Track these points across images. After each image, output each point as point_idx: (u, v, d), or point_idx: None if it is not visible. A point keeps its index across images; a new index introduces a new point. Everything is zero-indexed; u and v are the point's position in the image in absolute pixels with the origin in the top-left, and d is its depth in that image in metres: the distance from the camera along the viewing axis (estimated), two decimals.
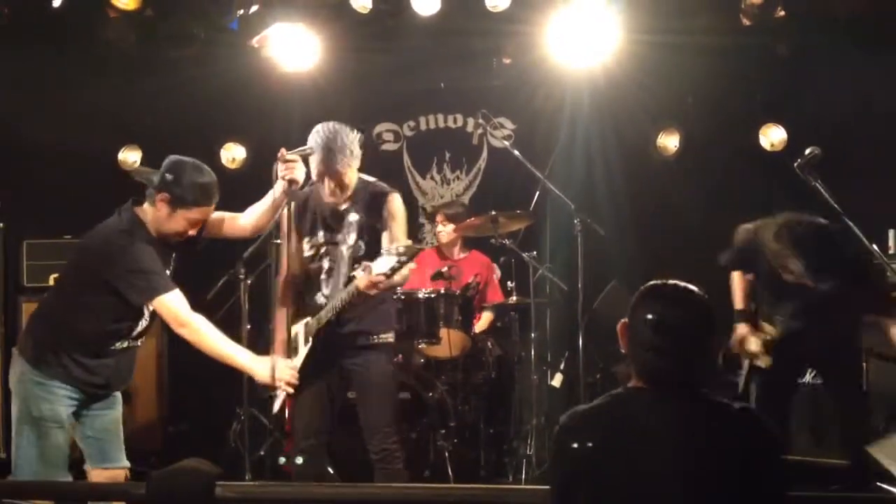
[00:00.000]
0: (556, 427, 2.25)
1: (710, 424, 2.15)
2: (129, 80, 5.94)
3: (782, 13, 5.23)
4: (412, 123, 6.91)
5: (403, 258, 3.63)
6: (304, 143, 3.88)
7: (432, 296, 5.14)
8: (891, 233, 4.78)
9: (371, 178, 4.02)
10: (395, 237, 3.93)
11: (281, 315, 4.00)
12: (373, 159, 6.76)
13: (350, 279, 3.88)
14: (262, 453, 5.26)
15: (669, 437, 2.12)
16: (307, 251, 3.98)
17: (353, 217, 3.94)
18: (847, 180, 4.50)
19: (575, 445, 2.18)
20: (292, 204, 3.93)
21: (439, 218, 5.91)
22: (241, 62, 5.86)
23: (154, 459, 5.49)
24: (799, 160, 3.67)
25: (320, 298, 3.98)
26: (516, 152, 5.17)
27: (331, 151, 3.77)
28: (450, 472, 4.94)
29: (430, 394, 5.14)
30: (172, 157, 3.77)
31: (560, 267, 5.71)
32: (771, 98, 5.86)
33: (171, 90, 5.98)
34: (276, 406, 3.99)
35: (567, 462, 2.22)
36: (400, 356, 5.29)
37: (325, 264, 3.98)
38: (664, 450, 2.11)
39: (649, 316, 2.18)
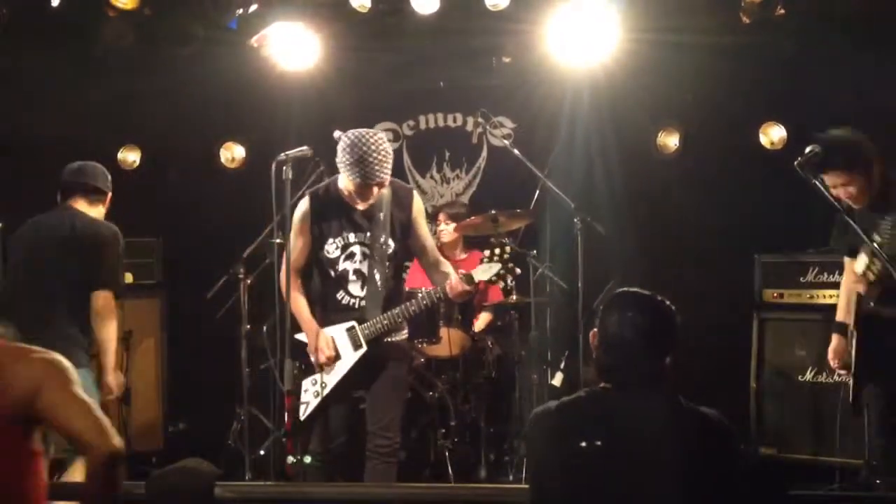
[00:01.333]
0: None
1: (673, 423, 2.24)
2: (129, 79, 5.93)
3: (782, 11, 5.22)
4: (412, 122, 6.90)
5: (510, 264, 3.75)
6: (303, 144, 3.89)
7: None
8: None
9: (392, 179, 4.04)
10: (427, 235, 4.10)
11: (304, 301, 3.97)
12: None
13: (387, 281, 3.95)
14: (262, 453, 5.26)
15: (636, 433, 2.22)
16: (332, 252, 3.96)
17: (382, 215, 3.94)
18: None
19: (545, 439, 2.30)
20: (306, 202, 3.95)
21: (441, 217, 5.91)
22: (240, 61, 5.85)
23: (154, 459, 5.50)
24: (799, 158, 3.66)
25: (346, 299, 3.98)
26: (516, 151, 5.16)
27: (369, 164, 3.74)
28: (450, 472, 4.94)
29: (431, 393, 5.14)
30: (87, 163, 4.37)
31: (560, 266, 5.70)
32: (771, 96, 5.84)
33: (170, 90, 5.97)
34: (305, 412, 3.95)
35: (537, 454, 2.35)
36: None
37: (355, 265, 3.96)
38: (630, 445, 2.21)
39: (615, 321, 2.33)
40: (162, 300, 5.84)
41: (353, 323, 3.92)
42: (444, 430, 5.08)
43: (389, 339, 4.00)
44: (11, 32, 5.43)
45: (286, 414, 3.77)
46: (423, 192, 6.88)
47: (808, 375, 5.13)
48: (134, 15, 5.52)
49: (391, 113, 6.86)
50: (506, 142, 5.57)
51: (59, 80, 5.78)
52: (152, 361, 5.84)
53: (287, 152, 3.82)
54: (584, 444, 2.20)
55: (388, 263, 3.96)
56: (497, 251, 3.83)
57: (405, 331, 4.11)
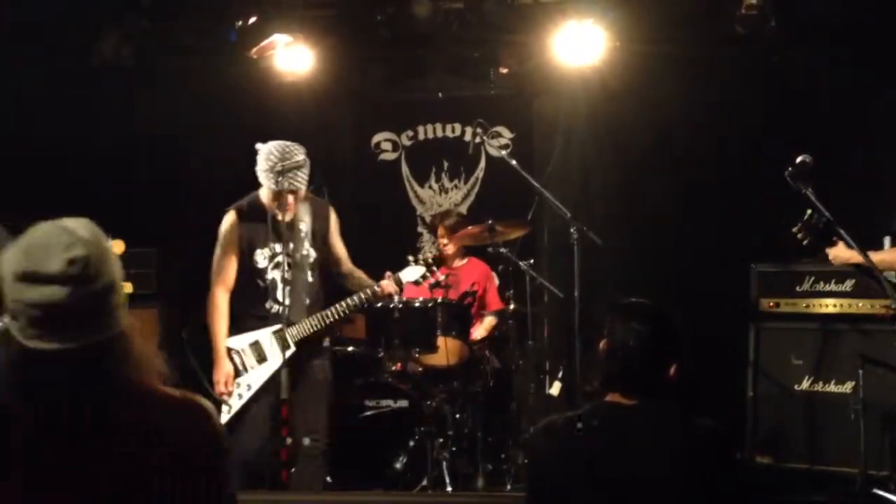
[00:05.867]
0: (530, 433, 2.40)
1: (673, 434, 2.27)
2: (128, 89, 5.96)
3: (774, 23, 5.26)
4: (410, 133, 6.93)
5: (433, 267, 4.12)
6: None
7: (429, 304, 5.14)
8: (886, 240, 4.78)
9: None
10: (342, 248, 4.39)
11: (224, 325, 4.21)
12: (371, 169, 6.86)
13: (310, 287, 4.21)
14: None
15: (638, 445, 2.24)
16: (261, 262, 4.17)
17: (304, 226, 4.19)
18: (842, 188, 4.53)
19: (547, 454, 2.32)
20: (231, 216, 4.15)
21: (441, 231, 5.86)
22: (239, 73, 5.88)
23: None
24: (789, 168, 3.68)
25: (274, 307, 4.17)
26: (513, 162, 5.18)
27: (282, 172, 3.97)
28: (447, 481, 4.94)
29: (428, 402, 5.14)
30: None
31: (557, 275, 5.72)
32: (767, 107, 5.86)
33: (170, 101, 6.00)
34: (228, 414, 4.16)
35: (538, 469, 2.36)
36: (398, 364, 5.31)
37: (280, 273, 4.14)
38: (632, 456, 2.22)
39: (620, 330, 2.35)
40: (159, 310, 5.84)
41: (281, 326, 4.11)
42: (441, 440, 5.08)
43: (315, 347, 4.25)
44: (6, 36, 5.47)
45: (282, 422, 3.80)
46: (421, 202, 6.91)
47: (805, 384, 5.14)
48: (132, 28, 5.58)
49: (389, 123, 6.90)
50: (503, 152, 5.59)
51: (56, 86, 5.80)
52: None
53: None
54: (588, 456, 2.23)
55: (310, 271, 4.22)
56: (424, 256, 4.30)
57: (325, 342, 4.35)
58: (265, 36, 5.64)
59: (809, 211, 3.75)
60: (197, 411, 1.72)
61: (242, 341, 4.19)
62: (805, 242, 3.86)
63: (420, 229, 6.87)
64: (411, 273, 4.21)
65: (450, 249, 5.82)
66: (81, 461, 1.61)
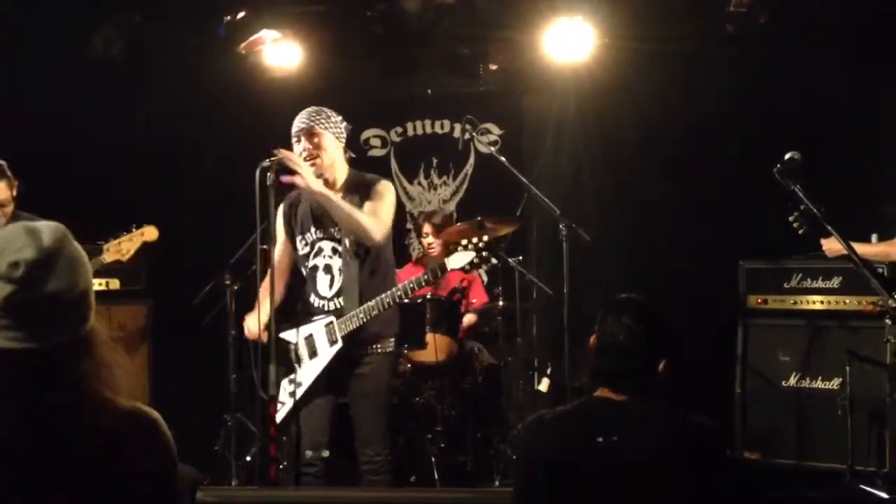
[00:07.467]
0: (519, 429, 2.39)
1: (665, 430, 2.26)
2: (119, 86, 5.93)
3: (763, 20, 5.27)
4: (399, 129, 6.93)
5: (484, 253, 3.62)
6: (289, 150, 3.91)
7: (418, 301, 5.14)
8: (874, 237, 4.81)
9: (364, 174, 4.06)
10: (370, 204, 3.89)
11: (265, 298, 3.85)
12: (360, 164, 6.84)
13: (363, 276, 3.86)
14: (248, 459, 5.26)
15: (628, 440, 2.22)
16: (302, 249, 3.94)
17: None
18: (831, 184, 4.55)
19: (536, 449, 2.31)
20: (282, 205, 3.98)
21: (428, 229, 5.83)
22: (228, 68, 5.86)
23: None
24: (778, 165, 3.70)
25: (317, 302, 3.93)
26: (502, 158, 5.18)
27: (312, 112, 3.87)
28: (436, 477, 4.95)
29: (417, 398, 5.14)
30: None
31: (546, 272, 5.72)
32: (758, 104, 5.88)
33: (159, 96, 5.97)
34: (281, 415, 3.89)
35: (527, 465, 2.34)
36: None
37: (324, 261, 3.92)
38: (623, 452, 2.21)
39: (610, 325, 2.34)
40: (148, 306, 5.83)
41: (332, 318, 3.86)
42: (430, 436, 5.09)
43: (373, 349, 3.91)
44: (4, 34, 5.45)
45: (269, 420, 3.77)
46: (410, 199, 6.90)
47: (792, 381, 5.16)
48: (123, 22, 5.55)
49: (379, 120, 6.88)
50: (492, 149, 5.59)
51: (47, 83, 5.78)
52: (138, 367, 5.82)
53: (272, 158, 3.84)
54: (576, 452, 2.22)
55: (360, 260, 3.87)
56: (474, 240, 3.70)
57: (391, 339, 3.99)
58: (254, 31, 5.62)
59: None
60: (145, 420, 1.76)
61: (297, 335, 3.91)
62: (801, 232, 3.89)
63: (409, 226, 6.87)
64: (458, 259, 3.68)
65: (435, 249, 5.78)
66: (30, 465, 1.61)
